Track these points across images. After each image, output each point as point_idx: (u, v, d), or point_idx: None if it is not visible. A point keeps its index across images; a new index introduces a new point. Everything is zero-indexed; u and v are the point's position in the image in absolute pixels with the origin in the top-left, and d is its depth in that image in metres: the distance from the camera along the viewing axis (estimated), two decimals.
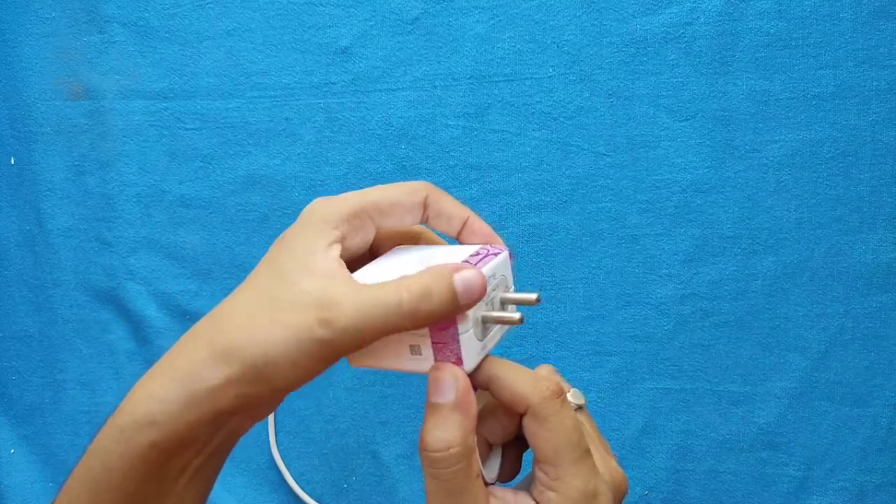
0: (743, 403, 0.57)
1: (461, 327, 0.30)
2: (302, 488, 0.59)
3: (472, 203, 0.59)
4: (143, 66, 0.61)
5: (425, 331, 0.31)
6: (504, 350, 0.59)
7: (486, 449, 0.34)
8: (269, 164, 0.60)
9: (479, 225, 0.36)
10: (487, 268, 0.31)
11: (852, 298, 0.57)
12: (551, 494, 0.30)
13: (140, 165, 0.61)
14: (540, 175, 0.59)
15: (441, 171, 0.59)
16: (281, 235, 0.33)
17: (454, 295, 0.30)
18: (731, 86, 0.58)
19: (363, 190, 0.34)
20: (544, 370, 0.34)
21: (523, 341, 0.59)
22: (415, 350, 0.31)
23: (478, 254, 0.33)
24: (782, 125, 0.57)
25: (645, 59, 0.58)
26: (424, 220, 0.35)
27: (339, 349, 0.30)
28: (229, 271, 0.60)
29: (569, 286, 0.59)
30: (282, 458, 0.59)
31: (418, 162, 0.59)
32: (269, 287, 0.31)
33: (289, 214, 0.59)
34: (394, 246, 0.36)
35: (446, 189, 0.59)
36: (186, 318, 0.59)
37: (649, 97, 0.58)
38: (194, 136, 0.61)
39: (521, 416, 0.31)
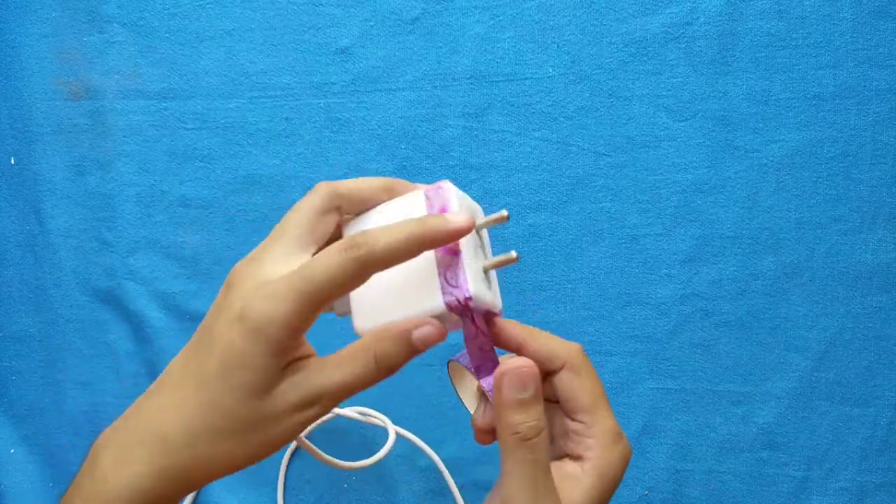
0: (743, 403, 0.57)
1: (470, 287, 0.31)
2: (302, 488, 0.59)
3: None
4: (143, 66, 0.61)
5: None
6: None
7: None
8: (268, 165, 0.60)
9: None
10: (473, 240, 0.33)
11: (852, 298, 0.57)
12: (590, 441, 0.33)
13: (140, 165, 0.61)
14: (540, 175, 0.59)
15: (441, 171, 0.59)
16: (211, 336, 0.32)
17: (412, 345, 0.32)
18: (731, 86, 0.58)
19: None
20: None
21: None
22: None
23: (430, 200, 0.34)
24: (782, 125, 0.57)
25: (645, 59, 0.58)
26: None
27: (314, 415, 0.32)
28: (229, 271, 0.60)
29: (569, 286, 0.59)
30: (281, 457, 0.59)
31: (418, 162, 0.59)
32: (219, 407, 0.30)
33: None
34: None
35: None
36: (187, 317, 0.59)
37: (649, 97, 0.58)
38: (194, 136, 0.61)
39: (552, 374, 0.34)
